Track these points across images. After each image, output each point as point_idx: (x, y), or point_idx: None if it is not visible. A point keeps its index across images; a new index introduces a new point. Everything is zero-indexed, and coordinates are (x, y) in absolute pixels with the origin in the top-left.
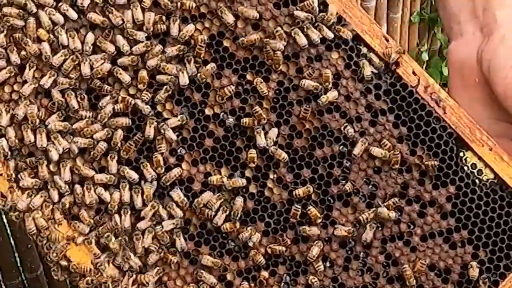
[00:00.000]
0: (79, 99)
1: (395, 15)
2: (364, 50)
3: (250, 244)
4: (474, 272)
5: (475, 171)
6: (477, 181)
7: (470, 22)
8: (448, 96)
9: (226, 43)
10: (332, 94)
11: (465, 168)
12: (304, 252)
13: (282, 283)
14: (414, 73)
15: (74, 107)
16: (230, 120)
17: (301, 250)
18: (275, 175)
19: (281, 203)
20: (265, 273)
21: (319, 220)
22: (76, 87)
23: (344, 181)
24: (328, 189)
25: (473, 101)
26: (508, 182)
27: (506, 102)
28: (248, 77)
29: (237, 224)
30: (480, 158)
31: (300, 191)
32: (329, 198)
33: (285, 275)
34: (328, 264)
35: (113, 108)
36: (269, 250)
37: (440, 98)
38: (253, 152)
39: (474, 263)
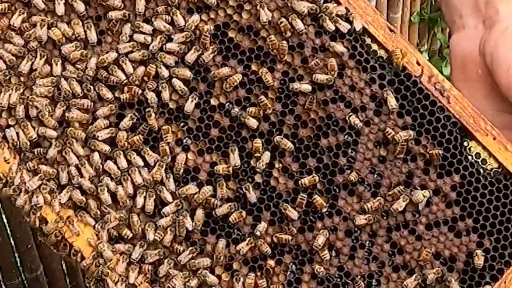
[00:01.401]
0: (85, 90)
1: (395, 15)
2: (368, 40)
3: (257, 233)
4: (479, 260)
5: (479, 160)
6: (481, 170)
7: (472, 15)
8: (452, 86)
9: (231, 33)
10: (304, 86)
11: (469, 157)
12: (310, 241)
13: (288, 272)
14: (418, 63)
15: (78, 94)
16: (236, 110)
17: (307, 239)
18: (280, 165)
19: (287, 192)
20: (271, 262)
21: (325, 209)
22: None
23: (349, 171)
24: (334, 179)
25: (476, 93)
26: None
27: (509, 94)
28: (253, 67)
29: (244, 213)
30: (484, 147)
31: (306, 180)
32: (335, 187)
33: (291, 264)
34: (334, 253)
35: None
36: (275, 239)
37: (444, 88)
38: (258, 142)
39: (479, 252)
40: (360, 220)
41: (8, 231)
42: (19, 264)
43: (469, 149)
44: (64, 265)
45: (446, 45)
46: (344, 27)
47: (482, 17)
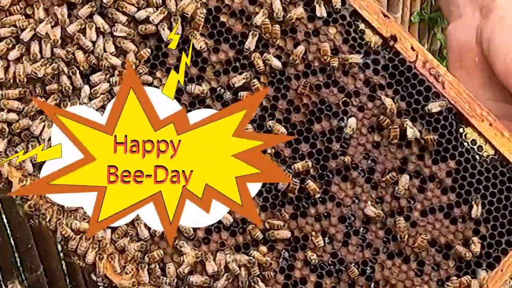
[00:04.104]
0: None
1: (395, 15)
2: (362, 26)
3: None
4: (476, 247)
5: (475, 147)
6: (477, 157)
7: (469, 4)
8: (447, 72)
9: (223, 18)
10: (275, 63)
11: (465, 144)
12: (302, 227)
13: (281, 259)
14: (412, 48)
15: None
16: (228, 94)
17: (300, 226)
18: (273, 150)
19: None
20: (263, 248)
21: (318, 195)
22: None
23: (343, 156)
24: (327, 164)
25: (473, 82)
26: (508, 157)
27: (506, 82)
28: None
29: None
30: (480, 133)
31: (299, 166)
32: (328, 173)
33: (283, 250)
34: (327, 239)
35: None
36: (267, 225)
37: (439, 73)
38: (249, 128)
39: (475, 239)
40: (371, 211)
41: (8, 231)
42: (19, 264)
43: (465, 135)
44: (64, 265)
45: (446, 45)
46: (322, 10)
47: (479, 6)
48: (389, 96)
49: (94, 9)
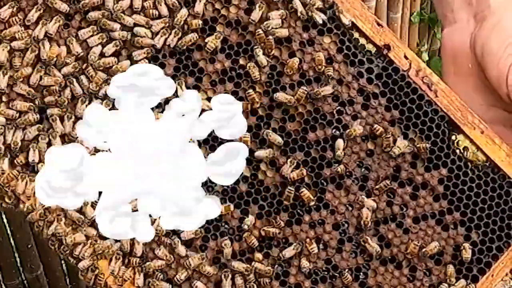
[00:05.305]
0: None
1: (395, 15)
2: (356, 34)
3: (245, 227)
4: (466, 254)
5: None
6: (469, 164)
7: (464, 9)
8: (439, 80)
9: (219, 28)
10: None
11: (457, 151)
12: (297, 234)
13: (276, 265)
14: (405, 57)
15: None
16: None
17: (295, 232)
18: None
19: (275, 185)
20: (258, 255)
21: (312, 203)
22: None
23: (336, 164)
24: (321, 172)
25: (466, 87)
26: (499, 164)
27: (499, 87)
28: (241, 61)
29: (232, 207)
30: (472, 141)
31: (294, 174)
32: (322, 181)
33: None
34: (321, 246)
35: None
36: (262, 232)
37: (432, 81)
38: (247, 136)
39: (466, 245)
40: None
41: (8, 231)
42: (19, 264)
43: (457, 143)
44: (64, 265)
45: None
46: (319, 17)
47: (474, 11)
48: (383, 105)
49: (105, 16)
